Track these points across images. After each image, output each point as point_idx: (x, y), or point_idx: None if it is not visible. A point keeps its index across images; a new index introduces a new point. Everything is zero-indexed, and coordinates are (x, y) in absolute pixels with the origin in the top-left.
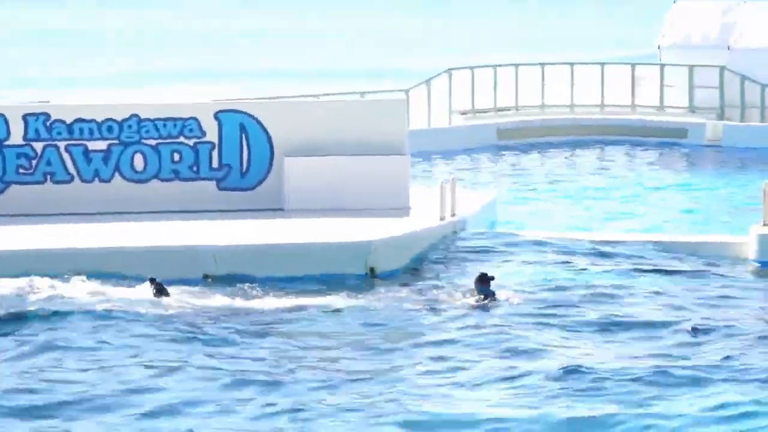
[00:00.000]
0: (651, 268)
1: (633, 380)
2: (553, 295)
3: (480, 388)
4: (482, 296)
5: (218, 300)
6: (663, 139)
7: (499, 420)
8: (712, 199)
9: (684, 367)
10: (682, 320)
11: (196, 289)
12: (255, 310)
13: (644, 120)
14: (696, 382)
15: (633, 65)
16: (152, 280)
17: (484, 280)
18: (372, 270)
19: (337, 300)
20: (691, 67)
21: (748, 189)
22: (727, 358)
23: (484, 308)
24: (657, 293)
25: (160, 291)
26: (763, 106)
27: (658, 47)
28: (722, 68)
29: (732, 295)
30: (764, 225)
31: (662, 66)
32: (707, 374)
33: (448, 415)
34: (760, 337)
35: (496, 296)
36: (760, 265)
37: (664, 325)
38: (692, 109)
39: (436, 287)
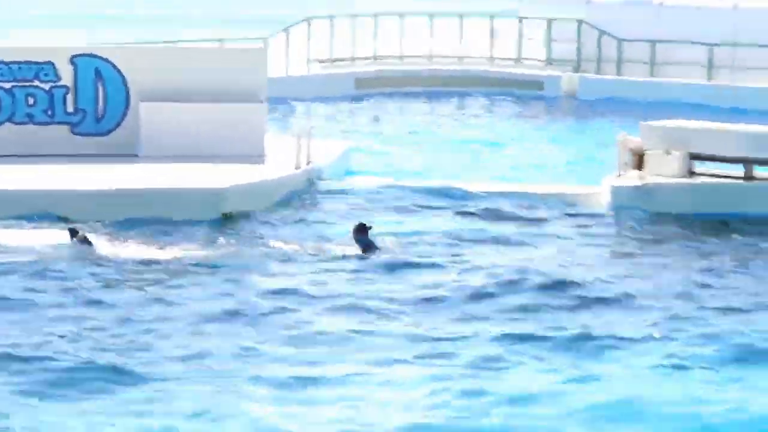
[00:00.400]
0: (506, 217)
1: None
2: (416, 246)
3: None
4: (362, 247)
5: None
6: (520, 90)
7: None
8: (567, 150)
9: (535, 315)
10: (534, 270)
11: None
12: (111, 257)
13: (502, 72)
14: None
15: (492, 17)
16: (73, 231)
17: (362, 230)
18: (226, 216)
19: (189, 247)
20: (549, 20)
21: (603, 140)
22: (578, 307)
23: (361, 258)
24: (512, 242)
25: (83, 241)
26: (620, 59)
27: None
28: (580, 22)
29: (584, 243)
30: (617, 176)
31: (521, 18)
32: (555, 325)
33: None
34: (606, 283)
35: (376, 245)
36: (613, 214)
37: (520, 272)
38: (549, 61)
39: (290, 235)
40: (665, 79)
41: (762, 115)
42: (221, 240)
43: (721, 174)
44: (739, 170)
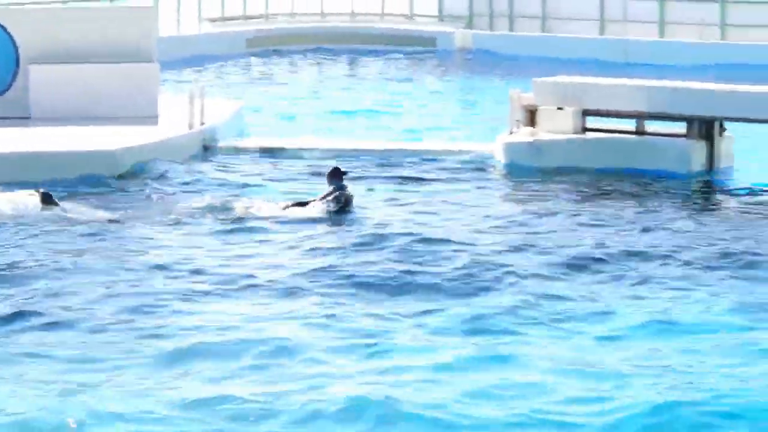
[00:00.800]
0: (401, 174)
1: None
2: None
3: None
4: (336, 190)
5: None
6: (413, 47)
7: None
8: (460, 107)
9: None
10: (433, 226)
11: None
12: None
13: (394, 28)
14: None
15: None
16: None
17: (336, 175)
18: (120, 177)
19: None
20: None
21: (496, 97)
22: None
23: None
24: (405, 201)
25: (47, 201)
26: (512, 14)
27: None
28: None
29: (476, 200)
30: (510, 133)
31: None
32: (433, 279)
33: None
34: (497, 242)
35: (347, 191)
36: (506, 171)
37: (409, 232)
38: (442, 17)
39: (186, 194)
40: (557, 35)
41: (653, 69)
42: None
43: (613, 129)
44: (631, 125)
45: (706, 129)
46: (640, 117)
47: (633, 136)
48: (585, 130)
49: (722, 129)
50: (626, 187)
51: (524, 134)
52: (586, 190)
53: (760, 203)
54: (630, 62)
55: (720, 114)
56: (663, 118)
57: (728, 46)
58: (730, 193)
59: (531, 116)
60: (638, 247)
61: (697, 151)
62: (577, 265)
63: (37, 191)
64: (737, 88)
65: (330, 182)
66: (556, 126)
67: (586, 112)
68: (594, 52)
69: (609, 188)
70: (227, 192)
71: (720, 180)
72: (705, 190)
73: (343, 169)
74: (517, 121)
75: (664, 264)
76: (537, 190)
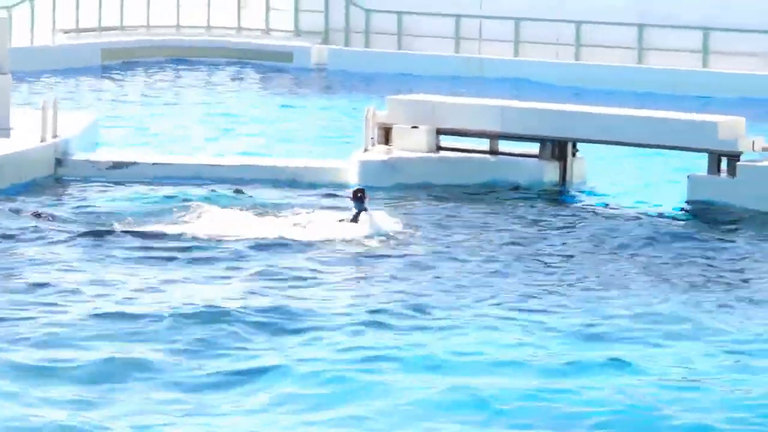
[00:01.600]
0: (255, 191)
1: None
2: (166, 215)
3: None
4: (357, 211)
5: None
6: (269, 62)
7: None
8: (316, 124)
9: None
10: (275, 242)
11: None
12: None
13: (250, 42)
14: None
15: None
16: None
17: (359, 197)
18: None
19: None
20: None
21: (352, 113)
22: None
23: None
24: (257, 217)
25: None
26: (368, 30)
27: None
28: None
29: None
30: (365, 151)
31: None
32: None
33: None
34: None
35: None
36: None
37: (258, 247)
38: (298, 32)
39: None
40: (414, 52)
41: (508, 87)
42: None
43: (467, 148)
44: (485, 144)
45: (558, 149)
46: (493, 136)
47: (487, 156)
48: (439, 148)
49: (574, 150)
50: (477, 203)
51: (379, 152)
52: (439, 205)
53: (608, 219)
54: (486, 78)
55: (572, 135)
56: (516, 138)
57: (585, 67)
58: (579, 210)
59: (386, 134)
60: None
61: (550, 170)
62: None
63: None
64: (590, 109)
65: (355, 204)
66: (411, 144)
67: (440, 131)
68: (450, 69)
69: (460, 203)
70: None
71: (570, 198)
72: (555, 208)
73: (359, 190)
74: (372, 138)
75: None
76: (391, 207)
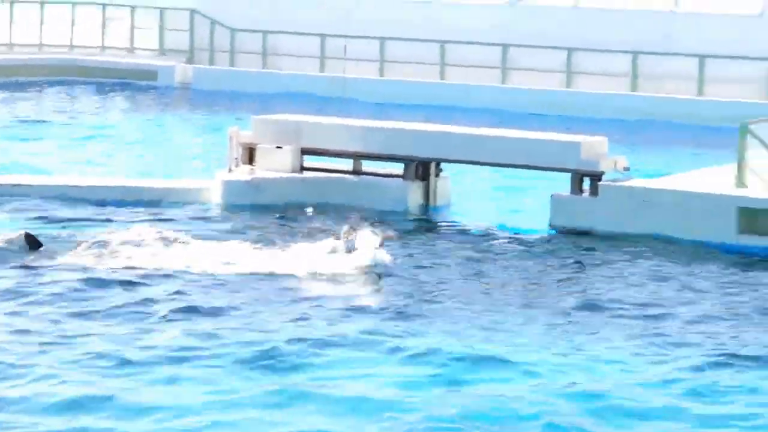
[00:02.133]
0: (117, 213)
1: None
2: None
3: None
4: (348, 250)
5: None
6: (133, 81)
7: None
8: (180, 143)
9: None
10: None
11: None
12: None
13: (114, 61)
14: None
15: (104, 6)
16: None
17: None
18: None
19: None
20: (161, 10)
21: (216, 133)
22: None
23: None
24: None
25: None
26: (233, 49)
27: None
28: (192, 11)
29: (194, 238)
30: (229, 171)
31: (133, 8)
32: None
33: None
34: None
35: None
36: (225, 209)
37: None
38: (163, 51)
39: None
40: (279, 71)
41: (372, 107)
42: None
43: (332, 168)
44: (349, 164)
45: (422, 170)
46: (357, 157)
47: (351, 176)
48: (303, 168)
49: (438, 170)
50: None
51: (243, 172)
52: (299, 225)
53: (470, 239)
54: (351, 98)
55: (436, 155)
56: (380, 158)
57: (450, 86)
58: (442, 230)
59: (250, 154)
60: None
61: (414, 191)
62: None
63: (23, 233)
64: (453, 130)
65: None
66: (275, 164)
67: (304, 151)
68: (315, 89)
69: (321, 225)
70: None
71: (435, 218)
72: (418, 228)
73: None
74: (236, 158)
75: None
76: (253, 228)
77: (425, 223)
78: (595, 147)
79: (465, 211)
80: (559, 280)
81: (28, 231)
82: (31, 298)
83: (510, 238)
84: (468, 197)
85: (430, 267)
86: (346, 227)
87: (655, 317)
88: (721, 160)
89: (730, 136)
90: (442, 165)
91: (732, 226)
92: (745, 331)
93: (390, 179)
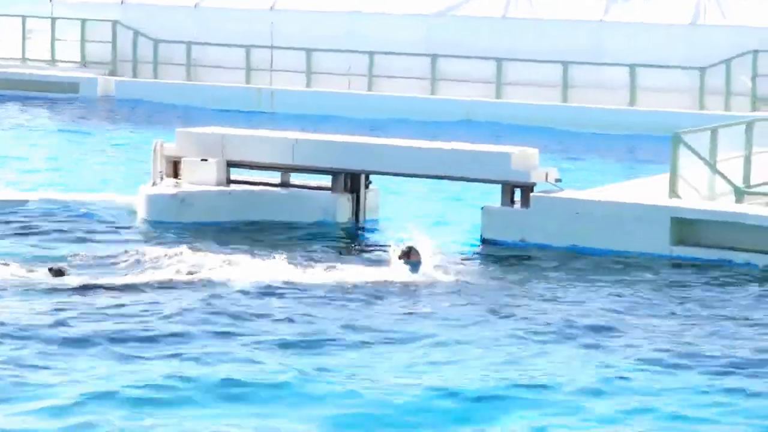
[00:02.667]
0: (39, 228)
1: None
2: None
3: None
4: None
5: None
6: (55, 93)
7: None
8: (103, 157)
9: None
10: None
11: None
12: None
13: (35, 73)
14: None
15: (24, 17)
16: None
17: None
18: None
19: None
20: (83, 21)
21: (140, 146)
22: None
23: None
24: (41, 256)
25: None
26: (156, 61)
27: (50, 0)
28: (115, 23)
29: (117, 253)
30: (153, 184)
31: (54, 19)
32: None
33: None
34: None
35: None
36: (148, 225)
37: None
38: (85, 63)
39: None
40: (203, 83)
41: (300, 119)
42: None
43: (259, 181)
44: (277, 177)
45: (352, 182)
46: (285, 169)
47: (279, 189)
48: (230, 182)
49: (368, 182)
50: (269, 239)
51: (167, 186)
52: (230, 242)
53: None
54: (278, 112)
55: (365, 167)
56: (308, 170)
57: (379, 98)
58: (371, 245)
59: (174, 167)
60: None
61: (343, 204)
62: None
63: (50, 269)
64: (382, 141)
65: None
66: (200, 177)
67: (230, 164)
68: (240, 101)
69: (253, 240)
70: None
71: (366, 233)
72: (349, 243)
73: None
74: (160, 172)
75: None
76: (181, 243)
77: (354, 238)
78: (526, 158)
79: (395, 225)
80: (493, 291)
81: (51, 266)
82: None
83: (439, 253)
84: (398, 210)
85: (347, 287)
86: (405, 245)
87: (597, 330)
88: (653, 171)
89: (662, 146)
90: (372, 177)
91: (665, 238)
92: (693, 340)
93: (319, 192)
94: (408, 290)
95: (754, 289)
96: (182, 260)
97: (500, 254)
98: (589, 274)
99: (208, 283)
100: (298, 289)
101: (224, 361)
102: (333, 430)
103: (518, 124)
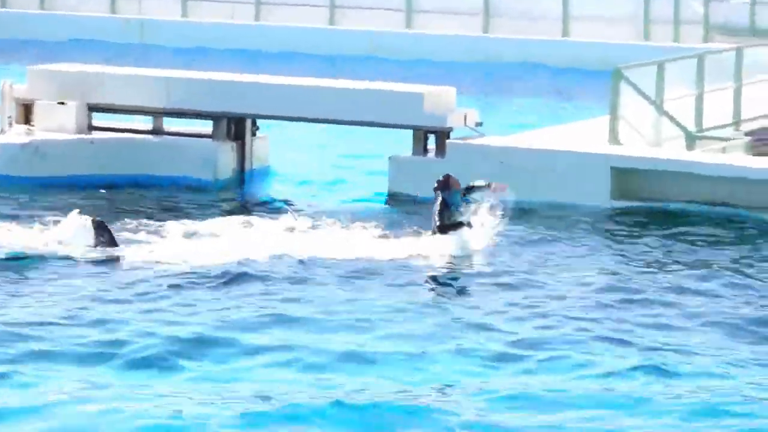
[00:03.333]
0: None
1: None
2: None
3: None
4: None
5: None
6: None
7: None
8: None
9: None
10: None
11: None
12: None
13: None
14: None
15: None
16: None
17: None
18: None
19: None
20: None
21: None
22: None
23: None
24: None
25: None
26: None
27: None
28: None
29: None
30: (1, 132)
31: None
32: None
33: None
34: None
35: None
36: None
37: None
38: None
39: None
40: (60, 12)
41: (172, 54)
42: None
43: (127, 128)
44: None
45: (236, 128)
46: (157, 114)
47: (150, 137)
48: (92, 128)
49: (255, 128)
50: (138, 196)
51: (18, 134)
52: (93, 202)
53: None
54: (148, 45)
55: (251, 111)
56: (185, 114)
57: (264, 29)
58: (261, 201)
59: (26, 112)
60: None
61: (226, 153)
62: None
63: (91, 219)
64: (271, 80)
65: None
66: (56, 123)
67: (92, 108)
68: (104, 33)
69: (119, 198)
70: None
71: (252, 186)
72: (233, 199)
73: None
74: (9, 117)
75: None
76: (33, 199)
77: (237, 194)
78: (441, 98)
79: (286, 179)
80: (396, 259)
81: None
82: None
83: (340, 210)
84: (291, 162)
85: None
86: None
87: (514, 287)
88: (591, 113)
89: (601, 84)
90: (259, 122)
91: (605, 190)
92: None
93: (197, 140)
94: (294, 259)
95: (706, 251)
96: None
97: (411, 211)
98: (516, 229)
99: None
100: (170, 263)
101: None
102: None
103: (432, 59)
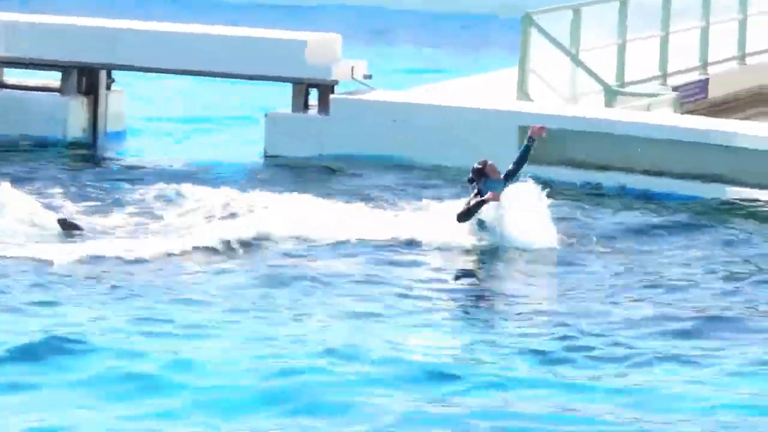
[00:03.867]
0: None
1: None
2: None
3: None
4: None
5: None
6: None
7: None
8: None
9: None
10: None
11: None
12: None
13: None
14: None
15: None
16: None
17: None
18: None
19: None
20: None
21: None
22: None
23: None
24: None
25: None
26: None
27: None
28: None
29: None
30: None
31: None
32: None
33: None
34: None
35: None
36: None
37: None
38: None
39: None
40: None
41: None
42: None
43: None
44: None
45: (87, 81)
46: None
47: None
48: None
49: (110, 81)
50: None
51: None
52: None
53: (153, 178)
54: None
55: (105, 61)
56: (28, 65)
57: None
58: (118, 164)
59: None
60: None
61: (76, 110)
62: None
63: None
64: (128, 25)
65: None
66: None
67: None
68: None
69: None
70: None
71: (106, 148)
72: (85, 163)
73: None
74: None
75: None
76: None
77: (89, 158)
78: (324, 47)
79: (146, 140)
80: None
81: (61, 216)
82: None
83: (209, 171)
84: (151, 119)
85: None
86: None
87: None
88: (496, 64)
89: (508, 31)
90: (115, 74)
91: (511, 152)
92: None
93: (43, 94)
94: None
95: (624, 215)
96: None
97: (290, 175)
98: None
99: None
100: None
101: None
102: None
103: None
